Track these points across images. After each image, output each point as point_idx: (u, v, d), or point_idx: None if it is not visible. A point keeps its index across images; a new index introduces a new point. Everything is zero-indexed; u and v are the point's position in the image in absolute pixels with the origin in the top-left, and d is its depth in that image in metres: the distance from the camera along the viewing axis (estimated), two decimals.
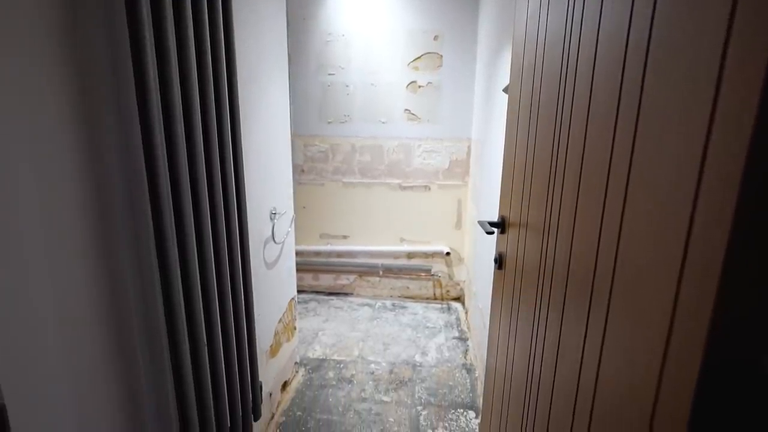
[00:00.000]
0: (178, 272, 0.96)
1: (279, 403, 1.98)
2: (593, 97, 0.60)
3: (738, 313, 0.34)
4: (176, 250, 0.94)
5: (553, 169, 0.76)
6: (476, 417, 1.89)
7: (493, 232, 1.19)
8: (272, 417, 1.88)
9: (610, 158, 0.53)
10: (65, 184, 0.73)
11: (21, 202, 0.64)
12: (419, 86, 2.86)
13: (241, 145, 1.24)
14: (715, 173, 0.35)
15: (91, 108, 0.78)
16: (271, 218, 1.73)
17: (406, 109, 2.92)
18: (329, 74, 2.88)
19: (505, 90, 1.66)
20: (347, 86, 2.89)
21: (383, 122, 2.91)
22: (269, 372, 1.81)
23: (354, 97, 2.90)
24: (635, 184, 0.47)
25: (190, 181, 0.98)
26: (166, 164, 0.90)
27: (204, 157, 1.03)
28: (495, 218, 1.24)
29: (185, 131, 0.95)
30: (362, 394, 2.05)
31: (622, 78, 0.51)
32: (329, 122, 2.98)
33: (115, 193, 0.85)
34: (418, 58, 2.82)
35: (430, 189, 3.06)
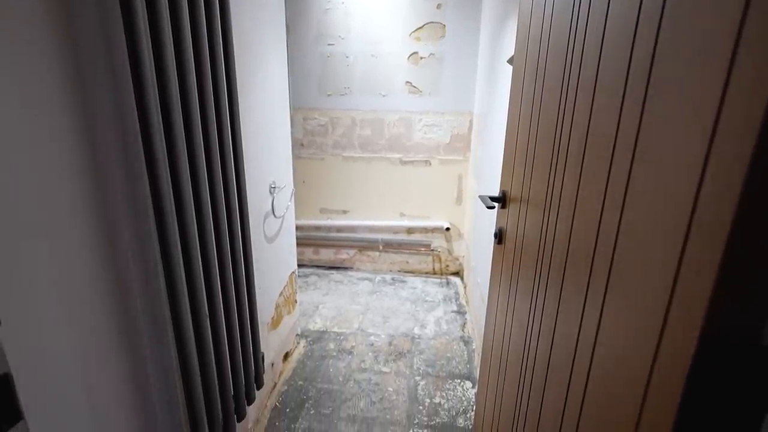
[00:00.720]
0: (178, 243, 0.96)
1: (281, 373, 2.03)
2: (601, 69, 0.58)
3: (740, 290, 0.34)
4: (175, 221, 0.94)
5: (557, 143, 0.75)
6: (473, 387, 1.95)
7: (493, 207, 1.19)
8: (274, 386, 1.94)
9: (616, 132, 0.52)
10: (58, 149, 0.72)
11: (11, 162, 0.64)
12: (421, 57, 2.78)
13: (238, 113, 1.21)
14: (726, 149, 0.34)
15: (84, 70, 0.76)
16: (270, 192, 1.72)
17: (408, 82, 2.84)
18: (329, 44, 2.79)
19: (510, 61, 1.61)
20: (347, 57, 2.81)
21: (384, 95, 2.85)
22: (271, 343, 1.85)
23: (354, 68, 2.82)
24: (641, 159, 0.47)
25: (187, 152, 0.97)
26: (162, 131, 0.89)
27: (201, 125, 1.02)
28: (496, 193, 1.24)
29: (180, 98, 0.93)
30: (362, 365, 2.11)
31: (632, 49, 0.49)
32: (329, 95, 2.91)
33: (112, 162, 0.84)
34: (420, 28, 2.73)
35: (430, 164, 3.01)
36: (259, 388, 1.51)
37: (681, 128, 0.40)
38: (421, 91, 2.86)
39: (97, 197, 0.81)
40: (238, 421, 1.35)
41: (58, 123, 0.71)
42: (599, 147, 0.57)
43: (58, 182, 0.72)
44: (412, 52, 2.77)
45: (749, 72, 0.32)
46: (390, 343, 2.28)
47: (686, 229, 0.38)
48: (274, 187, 1.75)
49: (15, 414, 0.51)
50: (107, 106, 0.82)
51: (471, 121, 2.90)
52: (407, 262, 3.24)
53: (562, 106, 0.73)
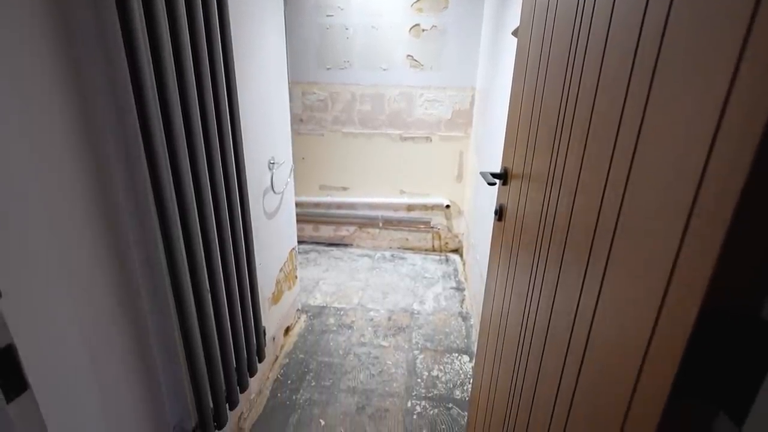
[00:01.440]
0: (177, 220, 0.96)
1: (282, 347, 2.08)
2: (609, 42, 0.56)
3: (742, 266, 0.34)
4: (174, 196, 0.94)
5: (560, 119, 0.73)
6: (470, 361, 2.00)
7: (494, 184, 1.18)
8: (276, 359, 1.98)
9: (623, 108, 0.51)
10: (56, 121, 0.70)
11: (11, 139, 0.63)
12: (423, 30, 2.69)
13: (236, 86, 1.19)
14: (735, 125, 0.33)
15: (76, 48, 0.74)
16: (269, 168, 1.70)
17: (409, 55, 2.75)
18: (328, 15, 2.70)
19: (515, 33, 1.56)
20: (347, 29, 2.71)
21: (384, 69, 2.77)
22: (272, 318, 1.88)
23: (354, 40, 2.73)
24: (646, 134, 0.46)
25: (184, 127, 0.95)
26: (158, 105, 0.87)
27: (197, 97, 1.00)
28: (497, 170, 1.23)
29: (176, 72, 0.91)
30: (362, 339, 2.15)
31: (642, 22, 0.47)
32: (328, 68, 2.83)
33: (108, 138, 0.82)
34: None
35: (431, 140, 2.94)
36: (260, 360, 1.55)
37: (690, 102, 0.39)
38: (422, 65, 2.78)
39: (97, 173, 0.80)
40: (241, 392, 1.39)
41: (49, 96, 0.69)
42: (605, 122, 0.56)
43: (58, 161, 0.71)
44: (413, 24, 2.68)
45: (765, 40, 0.31)
46: (389, 318, 2.32)
47: (690, 206, 0.37)
48: (273, 163, 1.73)
49: (20, 384, 0.52)
50: (100, 80, 0.80)
51: (473, 96, 2.81)
52: (407, 239, 3.25)
53: (567, 80, 0.71)
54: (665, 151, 0.42)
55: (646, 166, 0.46)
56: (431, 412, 1.71)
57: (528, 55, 1.00)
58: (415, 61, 2.77)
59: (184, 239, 0.99)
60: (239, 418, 1.59)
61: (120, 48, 0.79)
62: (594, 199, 0.57)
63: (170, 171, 0.93)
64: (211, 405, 1.19)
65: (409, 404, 1.72)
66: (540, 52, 0.89)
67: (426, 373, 1.92)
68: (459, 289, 2.68)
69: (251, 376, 1.47)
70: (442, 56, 2.77)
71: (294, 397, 1.76)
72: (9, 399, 0.50)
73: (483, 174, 1.20)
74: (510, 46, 1.68)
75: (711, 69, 0.36)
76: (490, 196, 1.90)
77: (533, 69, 0.94)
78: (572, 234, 0.65)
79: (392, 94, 2.83)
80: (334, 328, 2.25)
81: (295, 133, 2.92)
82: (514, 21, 1.60)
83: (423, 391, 1.80)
